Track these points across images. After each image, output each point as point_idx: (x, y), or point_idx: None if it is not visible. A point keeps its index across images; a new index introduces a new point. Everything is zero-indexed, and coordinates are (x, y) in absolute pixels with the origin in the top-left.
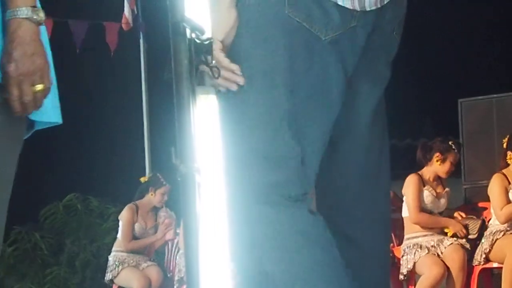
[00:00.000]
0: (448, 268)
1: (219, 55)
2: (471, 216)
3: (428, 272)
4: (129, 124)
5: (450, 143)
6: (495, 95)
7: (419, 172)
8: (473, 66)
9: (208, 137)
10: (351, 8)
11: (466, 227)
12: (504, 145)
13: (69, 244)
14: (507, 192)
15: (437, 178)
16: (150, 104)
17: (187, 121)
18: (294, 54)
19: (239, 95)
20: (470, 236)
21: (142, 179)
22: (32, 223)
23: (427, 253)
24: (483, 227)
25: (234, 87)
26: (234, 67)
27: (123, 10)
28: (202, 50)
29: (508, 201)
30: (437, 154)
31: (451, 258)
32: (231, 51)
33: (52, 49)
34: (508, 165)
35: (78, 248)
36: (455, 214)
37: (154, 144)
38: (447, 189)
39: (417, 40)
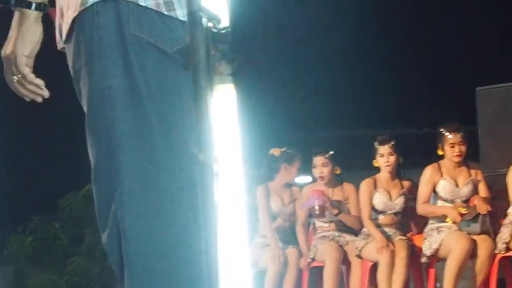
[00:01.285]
0: (473, 256)
1: (24, 69)
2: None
3: (456, 245)
4: None
5: (440, 129)
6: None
7: (440, 162)
8: (490, 54)
9: (225, 126)
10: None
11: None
12: None
13: (88, 234)
14: (432, 182)
15: (460, 166)
16: None
17: (205, 111)
18: (145, 70)
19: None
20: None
21: (276, 152)
22: (51, 213)
23: (454, 230)
24: (486, 220)
25: (39, 99)
26: (39, 82)
27: None
28: (219, 39)
29: None
30: (438, 144)
31: (480, 246)
32: (94, 70)
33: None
34: None
35: (98, 238)
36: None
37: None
38: (472, 176)
39: (434, 30)
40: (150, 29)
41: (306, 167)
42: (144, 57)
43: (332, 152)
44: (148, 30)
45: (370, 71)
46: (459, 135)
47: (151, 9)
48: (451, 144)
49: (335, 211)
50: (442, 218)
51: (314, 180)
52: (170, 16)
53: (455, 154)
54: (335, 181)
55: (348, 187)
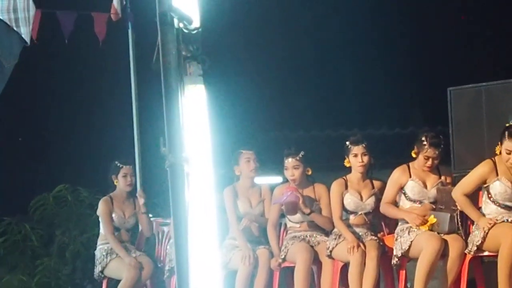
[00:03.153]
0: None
1: None
2: (440, 207)
3: (427, 245)
4: (118, 115)
5: (422, 137)
6: (484, 84)
7: (410, 163)
8: (462, 54)
9: (196, 127)
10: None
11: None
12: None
13: (59, 235)
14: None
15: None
16: (139, 94)
17: (176, 111)
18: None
19: None
20: (439, 233)
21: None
22: (22, 214)
23: (424, 231)
24: (454, 220)
25: None
26: None
27: (112, 0)
28: (190, 40)
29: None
30: (414, 147)
31: (451, 246)
32: None
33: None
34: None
35: (68, 239)
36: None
37: (143, 134)
38: (442, 179)
39: (407, 30)
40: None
41: (277, 168)
42: None
43: (303, 153)
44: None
45: (340, 71)
46: (437, 151)
47: (5, 22)
48: (426, 157)
49: (307, 210)
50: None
51: (286, 181)
52: (17, 33)
53: (427, 165)
54: (307, 181)
55: (319, 188)
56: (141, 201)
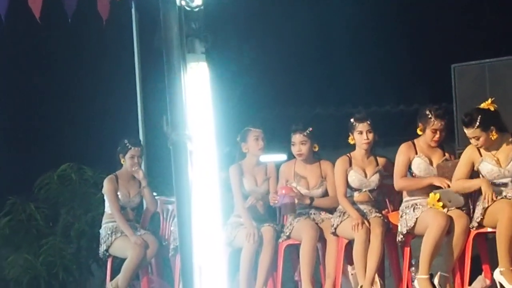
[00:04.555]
0: (448, 232)
1: None
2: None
3: (433, 222)
4: (122, 93)
5: (426, 111)
6: (488, 60)
7: (414, 140)
8: (466, 31)
9: (199, 105)
10: None
11: (449, 197)
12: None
13: (64, 214)
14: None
15: (434, 146)
16: (143, 72)
17: (178, 89)
18: None
19: None
20: (456, 207)
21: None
22: (26, 194)
23: (429, 208)
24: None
25: None
26: None
27: None
28: (192, 17)
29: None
30: (419, 123)
31: (456, 222)
32: None
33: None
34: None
35: (73, 218)
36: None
37: (147, 113)
38: (446, 156)
39: (410, 7)
40: None
41: (281, 146)
42: None
43: (311, 129)
44: None
45: (344, 48)
46: (443, 122)
47: None
48: (434, 130)
49: (308, 201)
50: (422, 193)
51: (289, 158)
52: None
53: (435, 139)
54: (313, 158)
55: (325, 165)
56: (140, 174)
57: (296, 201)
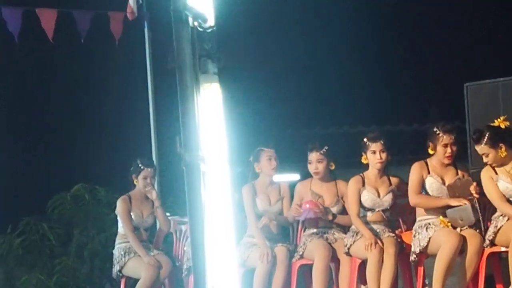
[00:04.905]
0: (462, 252)
1: None
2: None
3: (446, 241)
4: (135, 114)
5: (434, 128)
6: (501, 79)
7: (427, 160)
8: (479, 50)
9: (212, 126)
10: None
11: (461, 216)
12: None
13: (77, 235)
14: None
15: (447, 165)
16: (156, 92)
17: (191, 110)
18: None
19: None
20: (467, 226)
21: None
22: (40, 214)
23: (443, 227)
24: (476, 209)
25: None
26: None
27: None
28: (204, 38)
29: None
30: (429, 143)
31: (469, 242)
32: None
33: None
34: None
35: (87, 238)
36: (471, 188)
37: (160, 133)
38: (459, 175)
39: (423, 26)
40: None
41: (294, 165)
42: None
43: (327, 147)
44: None
45: (357, 67)
46: (453, 136)
47: None
48: (444, 145)
49: (330, 217)
50: (436, 213)
51: (304, 177)
52: None
53: (447, 154)
54: (329, 176)
55: (341, 185)
56: (153, 194)
57: (320, 215)
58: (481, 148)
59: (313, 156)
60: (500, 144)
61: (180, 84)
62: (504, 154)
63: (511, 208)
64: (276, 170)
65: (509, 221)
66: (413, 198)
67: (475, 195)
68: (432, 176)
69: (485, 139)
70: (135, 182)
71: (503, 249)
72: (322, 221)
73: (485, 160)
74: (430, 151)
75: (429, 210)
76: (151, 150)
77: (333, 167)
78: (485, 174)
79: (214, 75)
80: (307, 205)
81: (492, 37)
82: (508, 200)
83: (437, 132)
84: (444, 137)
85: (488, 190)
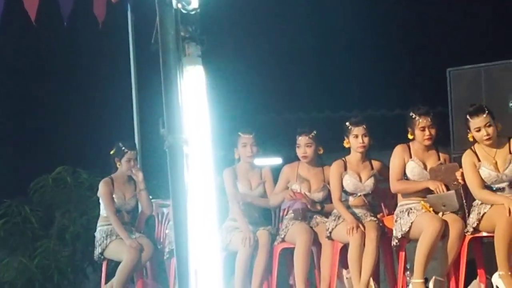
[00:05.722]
0: (443, 236)
1: None
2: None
3: (427, 226)
4: (117, 96)
5: (410, 113)
6: (483, 64)
7: (410, 143)
8: (461, 35)
9: (195, 108)
10: None
11: (444, 202)
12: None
13: (59, 217)
14: (475, 167)
15: (429, 149)
16: (139, 75)
17: (174, 92)
18: None
19: None
20: (451, 212)
21: (111, 152)
22: (21, 197)
23: (424, 212)
24: (460, 195)
25: None
26: None
27: None
28: (188, 20)
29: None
30: (408, 129)
31: (451, 226)
32: None
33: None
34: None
35: (68, 221)
36: (457, 173)
37: (143, 115)
38: (441, 160)
39: (405, 10)
40: None
41: (276, 149)
42: None
43: (315, 132)
44: None
45: (339, 52)
46: (429, 118)
47: None
48: (422, 128)
49: (318, 208)
50: (417, 197)
51: (286, 161)
52: None
53: (426, 137)
54: (317, 161)
55: (328, 172)
56: (139, 176)
57: (309, 206)
58: (484, 118)
59: (302, 140)
60: (495, 119)
61: (163, 66)
62: (499, 128)
63: (491, 195)
64: (253, 157)
65: (493, 207)
66: (394, 185)
67: (460, 181)
68: (413, 161)
69: (487, 110)
70: (118, 165)
71: (484, 234)
72: (310, 212)
73: (484, 133)
74: (410, 136)
75: (410, 195)
76: (134, 133)
77: (321, 152)
78: (467, 159)
79: (197, 58)
80: (295, 200)
81: (474, 22)
82: (489, 187)
83: (413, 116)
84: (420, 120)
85: (468, 175)
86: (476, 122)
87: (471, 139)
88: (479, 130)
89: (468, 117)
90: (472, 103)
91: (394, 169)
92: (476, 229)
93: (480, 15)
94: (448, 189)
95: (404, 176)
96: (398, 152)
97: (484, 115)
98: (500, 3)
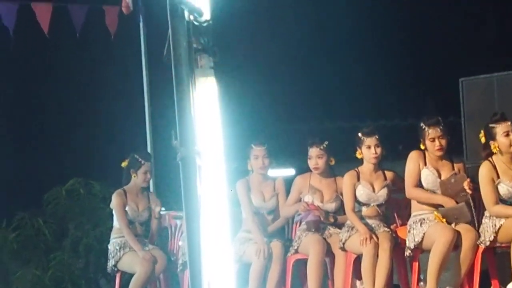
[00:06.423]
0: (456, 247)
1: None
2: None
3: (440, 237)
4: (130, 108)
5: (420, 124)
6: (496, 74)
7: (424, 151)
8: (474, 45)
9: (208, 120)
10: None
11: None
12: (483, 139)
13: (72, 229)
14: (494, 182)
15: (443, 159)
16: (151, 87)
17: (187, 104)
18: None
19: None
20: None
21: (123, 164)
22: (35, 209)
23: (437, 222)
24: (470, 206)
25: None
26: None
27: None
28: (200, 32)
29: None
30: (420, 140)
31: (463, 237)
32: None
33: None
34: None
35: (82, 233)
36: (465, 184)
37: (155, 127)
38: (455, 170)
39: (418, 20)
40: None
41: (289, 160)
42: None
43: (327, 143)
44: None
45: (352, 62)
46: (438, 129)
47: None
48: (431, 139)
49: (331, 220)
50: (430, 208)
51: (299, 172)
52: None
53: (436, 148)
54: (329, 172)
55: (341, 182)
56: (156, 209)
57: (322, 218)
58: (507, 125)
59: (313, 151)
60: None
61: (176, 78)
62: None
63: (505, 208)
64: (265, 168)
65: (509, 219)
66: (409, 191)
67: (468, 191)
68: (428, 168)
69: (509, 119)
70: (133, 177)
71: (498, 244)
72: (323, 224)
73: (505, 141)
74: (422, 147)
75: (423, 205)
76: (147, 145)
77: (333, 162)
78: (487, 173)
79: (210, 69)
80: (310, 207)
81: (487, 32)
82: (503, 201)
83: (423, 127)
84: (430, 131)
85: (484, 190)
86: (503, 126)
87: (495, 150)
88: (507, 134)
89: (493, 124)
90: (495, 112)
91: (409, 174)
92: (492, 240)
93: (493, 25)
94: (457, 202)
95: (419, 184)
96: (413, 157)
97: (509, 122)
98: None
